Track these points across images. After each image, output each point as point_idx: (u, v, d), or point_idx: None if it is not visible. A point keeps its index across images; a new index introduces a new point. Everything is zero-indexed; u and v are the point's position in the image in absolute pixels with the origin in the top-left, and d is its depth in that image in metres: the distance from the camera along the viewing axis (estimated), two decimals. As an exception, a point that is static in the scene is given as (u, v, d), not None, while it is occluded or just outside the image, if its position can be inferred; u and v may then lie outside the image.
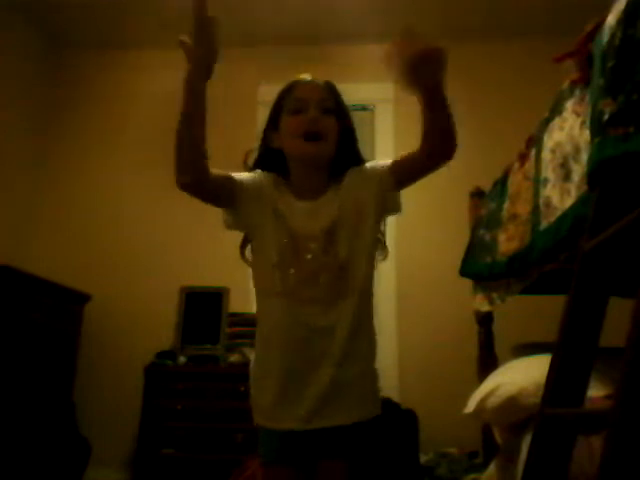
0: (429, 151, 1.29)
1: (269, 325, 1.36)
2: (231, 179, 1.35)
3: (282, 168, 1.42)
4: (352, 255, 1.34)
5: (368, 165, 1.42)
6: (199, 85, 1.25)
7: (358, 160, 1.43)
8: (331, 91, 1.41)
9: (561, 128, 1.58)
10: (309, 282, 1.32)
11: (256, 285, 1.41)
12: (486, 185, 2.56)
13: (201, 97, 1.26)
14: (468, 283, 2.67)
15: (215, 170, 1.31)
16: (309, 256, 1.33)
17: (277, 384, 1.33)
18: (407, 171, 1.36)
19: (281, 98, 1.41)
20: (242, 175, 1.39)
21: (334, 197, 1.38)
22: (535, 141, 1.82)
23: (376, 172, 1.38)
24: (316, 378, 1.31)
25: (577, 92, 1.47)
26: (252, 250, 1.42)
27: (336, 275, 1.32)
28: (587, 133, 1.32)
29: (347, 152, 1.42)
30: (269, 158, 1.42)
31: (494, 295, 2.36)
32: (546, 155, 1.70)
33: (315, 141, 1.34)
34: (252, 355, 1.44)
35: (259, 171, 1.42)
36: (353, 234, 1.35)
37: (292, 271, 1.32)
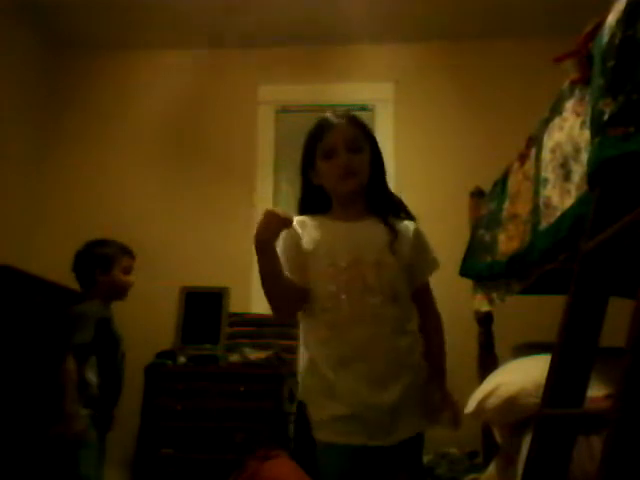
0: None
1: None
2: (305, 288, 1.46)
3: (325, 201, 1.56)
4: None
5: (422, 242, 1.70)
6: (270, 245, 1.37)
7: (383, 183, 1.58)
8: (355, 126, 1.52)
9: (561, 128, 1.58)
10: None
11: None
12: (486, 185, 2.56)
13: (274, 254, 1.39)
14: (468, 283, 2.66)
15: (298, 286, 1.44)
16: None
17: (352, 395, 1.33)
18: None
19: (312, 143, 1.52)
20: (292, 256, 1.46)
21: (377, 223, 1.52)
22: (535, 141, 1.82)
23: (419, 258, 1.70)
24: (392, 389, 1.33)
25: (577, 92, 1.47)
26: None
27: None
28: (587, 133, 1.32)
29: (378, 177, 1.55)
30: (312, 194, 1.56)
31: (494, 295, 2.36)
32: (546, 155, 1.69)
33: (349, 179, 1.48)
34: (304, 367, 1.48)
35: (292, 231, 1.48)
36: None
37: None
